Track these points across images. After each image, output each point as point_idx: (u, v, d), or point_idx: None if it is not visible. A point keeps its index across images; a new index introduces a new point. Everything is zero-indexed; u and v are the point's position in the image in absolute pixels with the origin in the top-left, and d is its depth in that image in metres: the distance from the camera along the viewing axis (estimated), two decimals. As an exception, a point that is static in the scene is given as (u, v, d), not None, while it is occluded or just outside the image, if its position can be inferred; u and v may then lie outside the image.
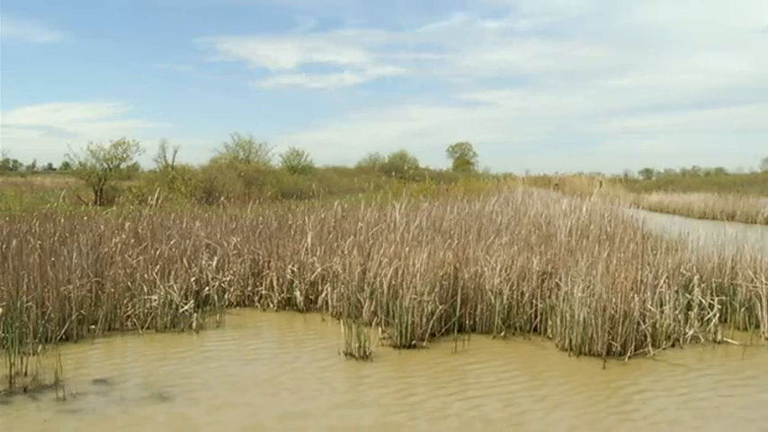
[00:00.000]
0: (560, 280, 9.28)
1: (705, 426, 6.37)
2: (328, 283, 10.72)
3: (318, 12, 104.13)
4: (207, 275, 11.10)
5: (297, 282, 11.01)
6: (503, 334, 9.32)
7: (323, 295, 10.77)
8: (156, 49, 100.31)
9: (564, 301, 8.83)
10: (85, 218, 13.53)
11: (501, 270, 9.62)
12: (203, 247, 11.91)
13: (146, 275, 10.01)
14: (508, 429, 6.15)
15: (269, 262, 11.43)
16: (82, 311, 9.12)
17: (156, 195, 16.76)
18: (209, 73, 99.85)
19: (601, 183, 45.98)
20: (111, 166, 29.44)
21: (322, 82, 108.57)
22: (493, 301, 9.40)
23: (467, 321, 9.50)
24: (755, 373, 8.08)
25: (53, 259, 9.45)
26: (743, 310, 9.93)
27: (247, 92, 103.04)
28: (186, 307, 9.71)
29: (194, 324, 9.58)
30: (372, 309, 9.68)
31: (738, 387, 7.51)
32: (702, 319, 9.47)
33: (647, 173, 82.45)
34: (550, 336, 9.19)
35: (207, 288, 10.89)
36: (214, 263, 11.36)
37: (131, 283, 9.87)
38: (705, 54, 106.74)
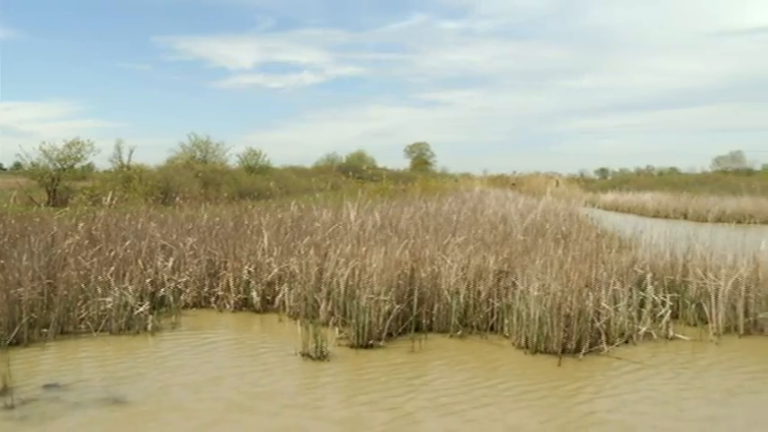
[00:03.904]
0: (516, 279, 9.35)
1: (657, 421, 6.48)
2: (285, 284, 10.67)
3: (278, 11, 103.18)
4: (162, 276, 10.96)
5: (253, 282, 10.95)
6: (459, 333, 9.36)
7: (280, 296, 10.72)
8: (113, 49, 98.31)
9: (520, 299, 8.91)
10: (37, 219, 13.28)
11: (457, 269, 9.66)
12: (159, 248, 11.78)
13: (100, 277, 9.83)
14: (464, 428, 6.20)
15: (225, 262, 11.35)
16: (33, 315, 8.95)
17: (110, 196, 16.53)
18: (167, 72, 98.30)
19: (557, 182, 46.58)
20: (65, 167, 28.93)
21: (281, 82, 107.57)
22: (450, 300, 9.45)
23: (424, 321, 9.53)
24: (705, 368, 8.26)
25: (2, 261, 9.28)
26: (693, 306, 10.12)
27: (206, 91, 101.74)
28: (141, 309, 9.59)
29: (149, 326, 9.47)
30: (329, 309, 9.67)
31: (689, 382, 7.67)
32: (655, 315, 9.64)
33: (603, 172, 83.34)
34: (507, 334, 9.27)
35: (162, 289, 10.74)
36: (170, 264, 11.24)
37: (85, 285, 9.71)
38: (660, 56, 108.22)
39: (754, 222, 28.91)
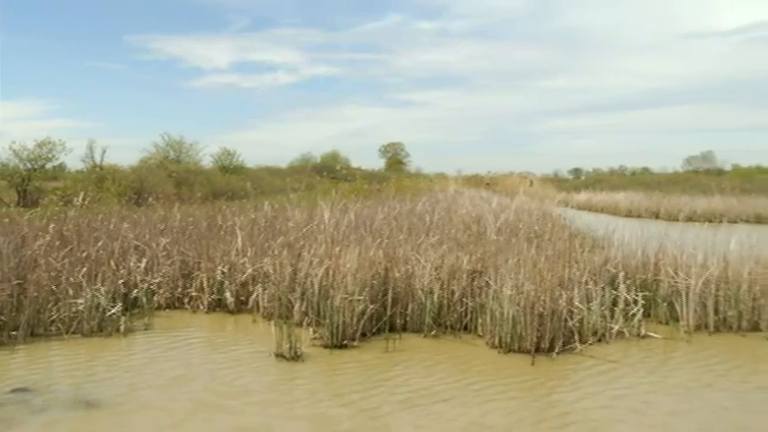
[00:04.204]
0: (490, 278, 9.39)
1: (621, 415, 6.58)
2: (259, 284, 10.64)
3: (252, 11, 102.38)
4: (135, 277, 10.87)
5: (227, 283, 10.90)
6: (434, 333, 9.39)
7: (254, 296, 10.68)
8: (86, 48, 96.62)
9: (493, 299, 8.95)
10: (7, 220, 13.11)
11: (431, 269, 9.69)
12: (132, 249, 11.69)
13: (71, 278, 9.73)
14: (429, 424, 6.22)
15: (199, 263, 11.29)
16: (2, 317, 8.84)
17: (82, 196, 16.35)
18: (141, 72, 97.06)
19: (531, 182, 46.86)
20: (36, 167, 28.63)
21: (255, 81, 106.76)
22: (424, 300, 9.47)
23: (398, 321, 9.54)
24: (674, 365, 8.37)
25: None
26: (665, 304, 10.24)
27: (180, 91, 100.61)
28: (114, 310, 9.51)
29: (122, 327, 9.38)
30: (303, 309, 9.65)
31: (657, 378, 7.77)
32: (627, 314, 9.72)
33: (577, 172, 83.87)
34: (481, 334, 9.30)
35: (135, 290, 10.65)
36: (143, 264, 11.15)
37: (56, 286, 9.60)
38: (633, 57, 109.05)
39: (725, 222, 29.29)
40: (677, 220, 29.85)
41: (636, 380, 7.70)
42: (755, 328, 9.85)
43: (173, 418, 6.33)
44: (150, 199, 21.12)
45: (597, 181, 57.57)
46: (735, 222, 29.44)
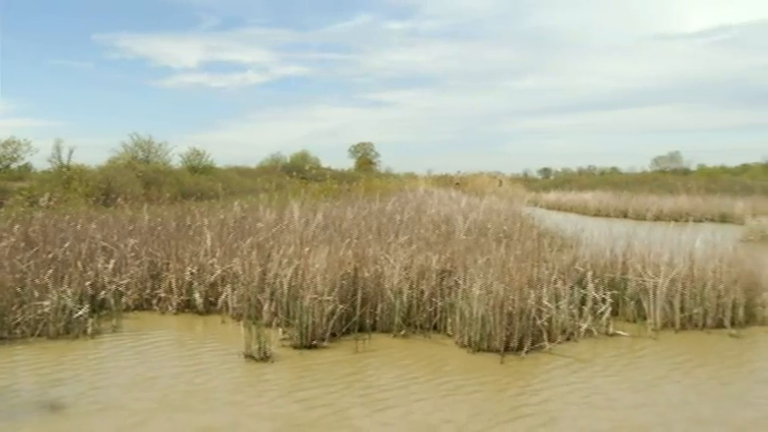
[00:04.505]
0: (459, 278, 9.43)
1: (584, 411, 6.68)
2: (228, 285, 10.58)
3: (222, 10, 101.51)
4: (103, 279, 10.75)
5: (196, 284, 10.83)
6: (403, 332, 9.40)
7: (223, 297, 10.62)
8: (52, 46, 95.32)
9: (462, 298, 8.99)
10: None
11: (401, 269, 9.70)
12: (99, 250, 11.56)
13: (37, 280, 9.59)
14: (404, 426, 6.24)
15: (167, 264, 11.20)
16: (-34, 320, 8.71)
17: (48, 196, 16.13)
18: (108, 71, 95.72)
19: (501, 182, 47.08)
20: (0, 167, 28.25)
21: (225, 81, 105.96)
22: (393, 299, 9.48)
23: (367, 321, 9.54)
24: (639, 362, 8.51)
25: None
26: (632, 303, 10.37)
27: (148, 91, 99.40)
28: (81, 312, 9.39)
29: (89, 329, 9.28)
30: (272, 309, 9.62)
31: (621, 375, 7.90)
32: (596, 312, 9.81)
33: (546, 172, 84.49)
34: (450, 333, 9.34)
35: (103, 292, 10.53)
36: (110, 266, 11.03)
37: (21, 288, 9.46)
38: (601, 58, 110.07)
39: (691, 221, 29.66)
40: (645, 219, 30.22)
41: (600, 376, 7.82)
42: (720, 325, 10.01)
43: (135, 417, 6.30)
44: (118, 199, 20.84)
45: (566, 181, 58.02)
46: (700, 221, 29.67)
